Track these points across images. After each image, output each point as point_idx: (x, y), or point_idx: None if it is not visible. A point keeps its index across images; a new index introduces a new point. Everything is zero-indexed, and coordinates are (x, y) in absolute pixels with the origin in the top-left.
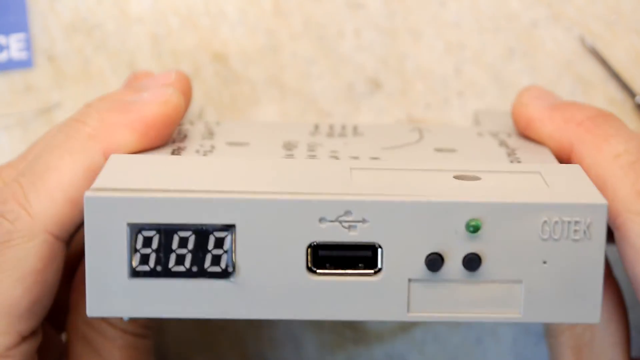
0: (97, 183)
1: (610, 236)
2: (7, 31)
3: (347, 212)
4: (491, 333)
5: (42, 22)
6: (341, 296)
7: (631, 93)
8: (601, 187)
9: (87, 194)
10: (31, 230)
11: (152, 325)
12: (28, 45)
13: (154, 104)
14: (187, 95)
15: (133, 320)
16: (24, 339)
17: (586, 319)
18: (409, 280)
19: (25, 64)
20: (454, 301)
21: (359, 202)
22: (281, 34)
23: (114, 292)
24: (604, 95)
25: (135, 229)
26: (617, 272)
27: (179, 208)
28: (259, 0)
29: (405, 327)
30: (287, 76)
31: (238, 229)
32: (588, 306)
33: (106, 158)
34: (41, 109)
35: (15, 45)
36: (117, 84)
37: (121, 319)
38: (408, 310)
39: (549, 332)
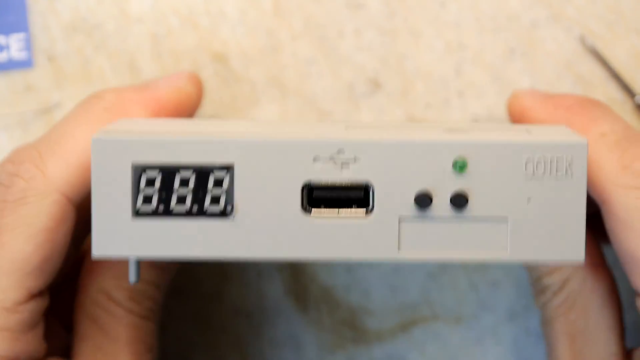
0: (104, 129)
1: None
2: (7, 31)
3: (340, 151)
4: (491, 333)
5: (42, 22)
6: (335, 236)
7: (631, 93)
8: (588, 164)
9: (94, 136)
10: (45, 189)
11: (156, 308)
12: (28, 45)
13: (169, 88)
14: (198, 92)
15: (138, 302)
16: (33, 296)
17: (571, 257)
18: (400, 218)
19: (25, 64)
20: (443, 240)
21: (352, 141)
22: (281, 34)
23: (118, 232)
24: (604, 95)
25: (139, 170)
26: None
27: (181, 149)
28: (259, 0)
29: (405, 327)
30: (287, 76)
31: (236, 169)
32: (572, 244)
33: None
34: (41, 109)
35: (15, 45)
36: (117, 84)
37: (127, 297)
38: (399, 249)
39: (544, 321)
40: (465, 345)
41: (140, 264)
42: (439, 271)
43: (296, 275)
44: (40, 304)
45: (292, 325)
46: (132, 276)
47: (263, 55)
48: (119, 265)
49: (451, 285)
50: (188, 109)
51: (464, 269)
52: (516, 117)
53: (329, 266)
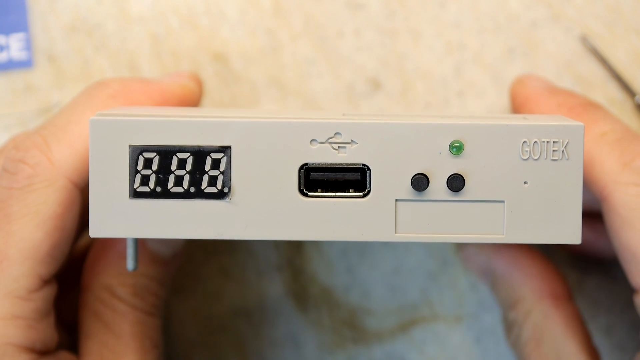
0: (102, 112)
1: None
2: (7, 31)
3: (337, 134)
4: (491, 333)
5: (42, 22)
6: (331, 217)
7: (631, 93)
8: (589, 162)
9: (92, 118)
10: (51, 175)
11: (160, 304)
12: (28, 45)
13: (173, 84)
14: (199, 91)
15: (142, 298)
16: (45, 283)
17: (567, 238)
18: (396, 200)
19: (25, 64)
20: (440, 221)
21: (348, 124)
22: (281, 34)
23: (115, 213)
24: (604, 95)
25: (137, 151)
26: None
27: (178, 130)
28: (259, 0)
29: (405, 327)
30: (287, 76)
31: (233, 150)
32: (568, 226)
33: None
34: (41, 109)
35: (15, 45)
36: None
37: (131, 293)
38: (395, 231)
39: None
40: (465, 345)
41: (141, 259)
42: (439, 271)
43: (296, 276)
44: (51, 291)
45: (292, 325)
46: (129, 262)
47: (263, 55)
48: (122, 262)
49: (451, 285)
50: (190, 105)
51: (464, 269)
52: (517, 102)
53: (329, 266)
